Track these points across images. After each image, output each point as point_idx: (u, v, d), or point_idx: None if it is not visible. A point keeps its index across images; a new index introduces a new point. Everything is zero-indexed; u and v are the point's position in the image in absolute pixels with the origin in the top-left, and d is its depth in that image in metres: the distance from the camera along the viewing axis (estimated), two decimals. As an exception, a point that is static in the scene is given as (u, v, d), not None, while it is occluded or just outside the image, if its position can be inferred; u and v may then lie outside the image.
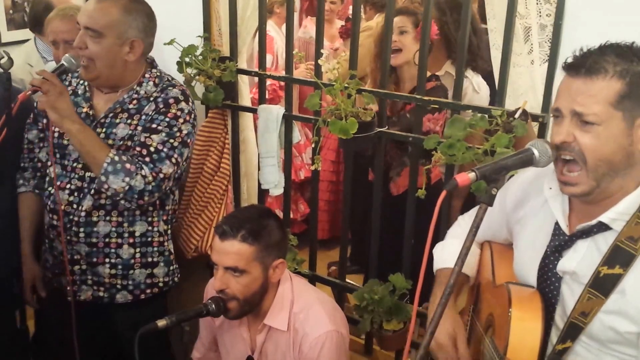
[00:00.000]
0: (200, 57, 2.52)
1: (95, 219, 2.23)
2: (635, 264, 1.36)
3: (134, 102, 2.21)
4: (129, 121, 2.19)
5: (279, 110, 2.55)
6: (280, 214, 2.68)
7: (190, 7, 2.63)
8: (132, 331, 1.89)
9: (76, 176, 2.22)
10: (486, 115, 2.02)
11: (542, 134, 2.00)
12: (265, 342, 2.05)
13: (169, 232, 2.39)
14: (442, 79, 2.84)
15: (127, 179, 2.07)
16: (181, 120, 2.19)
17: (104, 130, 2.19)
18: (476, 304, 1.78)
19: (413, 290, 2.24)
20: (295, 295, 2.03)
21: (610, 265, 1.37)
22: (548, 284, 1.50)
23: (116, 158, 2.08)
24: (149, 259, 2.31)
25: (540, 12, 1.95)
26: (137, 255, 2.29)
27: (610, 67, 1.34)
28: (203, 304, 1.95)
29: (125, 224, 2.25)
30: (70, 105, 2.07)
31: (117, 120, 2.19)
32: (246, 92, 2.72)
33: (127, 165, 2.08)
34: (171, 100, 2.19)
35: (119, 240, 2.26)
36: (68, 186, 2.23)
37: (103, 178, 2.07)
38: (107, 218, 2.23)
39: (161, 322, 1.87)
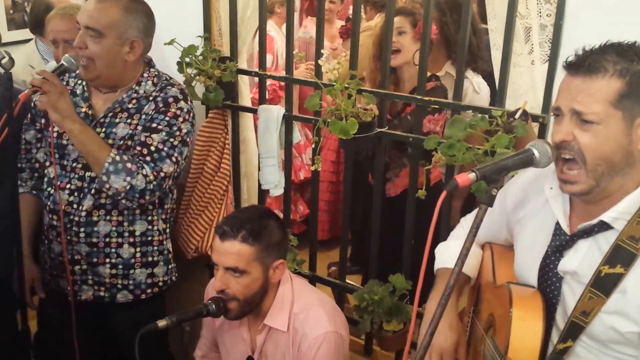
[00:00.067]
0: (200, 57, 2.52)
1: (95, 218, 2.23)
2: (637, 264, 1.36)
3: (134, 101, 2.21)
4: (128, 121, 2.19)
5: (279, 110, 2.55)
6: (280, 215, 2.68)
7: (191, 7, 2.63)
8: (132, 331, 1.89)
9: (76, 176, 2.22)
10: (486, 116, 2.02)
11: (542, 134, 2.00)
12: (265, 342, 2.05)
13: (168, 230, 2.40)
14: (443, 80, 2.84)
15: (128, 178, 2.08)
16: (181, 119, 2.20)
17: (103, 130, 2.19)
18: (476, 304, 1.78)
19: (413, 291, 2.25)
20: (296, 295, 2.03)
21: (612, 265, 1.37)
22: (549, 284, 1.50)
23: (117, 158, 2.08)
24: (149, 259, 2.32)
25: (540, 12, 1.95)
26: (138, 254, 2.29)
27: (610, 66, 1.33)
28: (203, 304, 1.95)
29: (126, 223, 2.26)
30: (70, 105, 2.07)
31: (117, 120, 2.20)
32: (246, 92, 2.72)
33: (128, 165, 2.09)
34: (170, 100, 2.20)
35: (120, 240, 2.26)
36: (68, 186, 2.23)
37: (104, 178, 2.08)
38: (108, 217, 2.23)
39: (162, 323, 1.87)
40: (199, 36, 2.57)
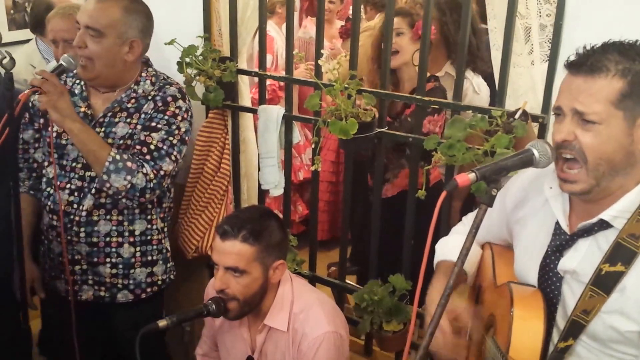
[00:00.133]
0: (200, 58, 2.52)
1: (95, 218, 2.23)
2: (637, 262, 1.36)
3: (133, 101, 2.22)
4: (128, 120, 2.20)
5: (279, 110, 2.55)
6: (280, 215, 2.68)
7: (191, 8, 2.63)
8: (132, 331, 1.89)
9: (76, 176, 2.23)
10: (486, 116, 2.02)
11: (542, 134, 2.00)
12: (265, 342, 2.05)
13: (166, 229, 2.41)
14: (442, 80, 2.84)
15: (128, 177, 2.09)
16: (179, 118, 2.21)
17: (102, 129, 2.19)
18: (477, 305, 1.78)
19: (413, 291, 2.25)
20: (296, 295, 2.03)
21: (612, 263, 1.37)
22: (549, 284, 1.50)
23: (117, 157, 2.09)
24: (149, 258, 2.32)
25: (540, 12, 1.95)
26: (138, 254, 2.30)
27: (612, 65, 1.33)
28: (203, 304, 1.95)
29: (126, 223, 2.26)
30: (70, 104, 2.08)
31: (117, 120, 2.20)
32: (246, 93, 2.72)
33: (129, 164, 2.09)
34: (169, 99, 2.21)
35: (120, 239, 2.27)
36: (68, 186, 2.23)
37: (105, 177, 2.08)
38: (108, 217, 2.24)
39: (162, 323, 1.87)
40: (199, 36, 2.57)
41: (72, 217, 2.23)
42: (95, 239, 2.25)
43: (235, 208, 2.74)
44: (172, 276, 2.44)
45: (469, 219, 1.87)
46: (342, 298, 2.66)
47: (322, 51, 2.32)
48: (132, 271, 2.30)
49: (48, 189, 2.27)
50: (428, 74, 2.46)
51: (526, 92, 2.02)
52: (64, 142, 2.23)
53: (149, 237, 2.31)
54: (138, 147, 2.16)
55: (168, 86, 2.25)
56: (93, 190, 2.20)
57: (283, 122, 2.55)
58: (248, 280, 1.92)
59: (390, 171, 2.92)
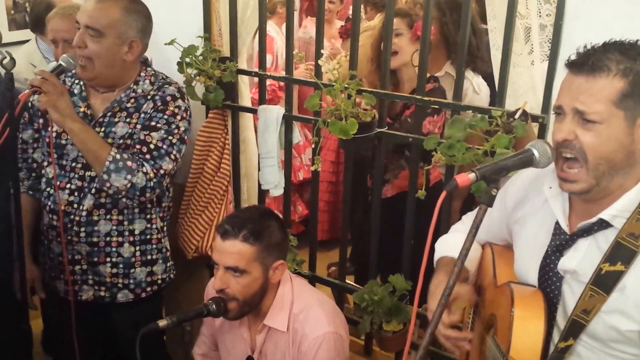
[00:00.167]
0: (200, 58, 2.52)
1: (96, 218, 2.24)
2: (637, 261, 1.36)
3: (132, 100, 2.22)
4: (128, 120, 2.20)
5: (279, 110, 2.55)
6: (280, 215, 2.68)
7: (190, 8, 2.63)
8: (133, 330, 1.89)
9: (76, 176, 2.23)
10: (486, 116, 2.02)
11: (542, 134, 2.00)
12: (265, 342, 2.05)
13: (165, 229, 2.41)
14: (442, 80, 2.84)
15: (129, 177, 2.09)
16: (179, 117, 2.22)
17: (102, 129, 2.20)
18: (477, 305, 1.78)
19: (413, 291, 2.25)
20: (296, 296, 2.03)
21: (612, 262, 1.37)
22: (549, 284, 1.50)
23: (118, 156, 2.09)
24: (149, 257, 2.33)
25: (540, 12, 1.95)
26: (137, 253, 2.30)
27: (613, 65, 1.33)
28: (204, 304, 1.95)
29: (126, 222, 2.27)
30: (70, 104, 2.09)
31: (116, 119, 2.20)
32: (246, 93, 2.72)
33: (129, 163, 2.10)
34: (168, 98, 2.22)
35: (120, 239, 2.27)
36: (68, 186, 2.23)
37: (105, 176, 2.08)
38: (108, 217, 2.24)
39: (162, 322, 1.87)
40: (199, 36, 2.57)
41: (72, 217, 2.23)
42: (95, 239, 2.25)
43: (235, 208, 2.74)
44: (171, 275, 2.45)
45: (468, 217, 1.87)
46: (342, 298, 2.66)
47: (322, 51, 2.32)
48: (132, 270, 2.30)
49: (48, 189, 2.27)
50: (428, 75, 2.46)
51: (526, 92, 2.02)
52: (63, 142, 2.23)
53: (148, 237, 2.32)
54: (138, 146, 2.16)
55: (167, 86, 2.26)
56: (93, 190, 2.21)
57: (283, 122, 2.56)
58: (248, 280, 1.92)
59: (390, 172, 2.92)
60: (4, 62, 1.97)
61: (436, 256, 1.82)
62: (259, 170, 2.66)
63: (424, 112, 2.41)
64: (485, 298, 1.72)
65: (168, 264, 2.42)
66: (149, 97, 2.23)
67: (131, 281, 2.31)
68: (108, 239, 2.26)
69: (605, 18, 1.81)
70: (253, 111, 2.67)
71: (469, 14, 2.07)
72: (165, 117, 2.20)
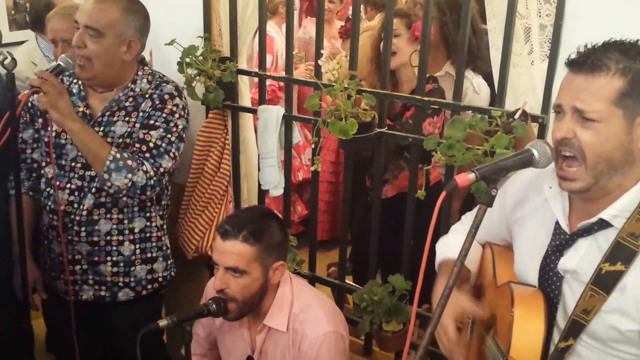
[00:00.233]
0: (200, 58, 2.52)
1: (96, 217, 2.24)
2: (637, 261, 1.36)
3: (130, 99, 2.23)
4: (126, 119, 2.21)
5: (278, 110, 2.55)
6: (279, 215, 2.68)
7: (191, 8, 2.63)
8: (133, 330, 1.90)
9: (76, 176, 2.23)
10: (486, 116, 2.02)
11: (541, 134, 2.00)
12: (265, 342, 2.05)
13: (165, 227, 2.42)
14: (443, 80, 2.83)
15: (129, 175, 2.10)
16: (177, 115, 2.23)
17: (101, 128, 2.21)
18: (477, 305, 1.78)
19: (412, 291, 2.25)
20: (295, 296, 2.03)
21: (612, 262, 1.37)
22: (549, 284, 1.50)
23: (118, 155, 2.10)
24: (149, 255, 2.33)
25: (540, 12, 1.95)
26: (137, 251, 2.31)
27: (612, 64, 1.34)
28: (204, 304, 1.95)
29: (126, 221, 2.27)
30: (70, 104, 2.09)
31: (115, 119, 2.21)
32: (246, 93, 2.72)
33: (129, 162, 2.10)
34: (166, 96, 2.23)
35: (120, 238, 2.28)
36: (68, 186, 2.23)
37: (106, 176, 2.09)
38: (108, 216, 2.25)
39: (162, 322, 1.87)
40: (199, 36, 2.57)
41: (72, 216, 2.24)
42: (96, 238, 2.26)
43: (235, 208, 2.74)
44: (172, 273, 2.45)
45: (468, 217, 1.87)
46: (342, 298, 2.66)
47: (322, 51, 2.32)
48: (132, 268, 2.31)
49: (48, 189, 2.28)
50: (427, 75, 2.46)
51: (526, 92, 2.02)
52: (62, 141, 2.24)
53: (148, 235, 2.32)
54: (137, 145, 2.17)
55: (164, 84, 2.27)
56: (93, 190, 2.21)
57: (283, 122, 2.56)
58: (248, 281, 1.92)
59: (390, 172, 2.92)
60: (5, 62, 1.97)
61: (437, 259, 1.82)
62: (258, 170, 2.66)
63: (424, 113, 2.41)
64: (485, 298, 1.72)
65: (169, 262, 2.42)
66: (147, 95, 2.24)
67: (131, 279, 2.31)
68: (108, 238, 2.26)
69: (605, 18, 1.81)
70: (253, 111, 2.67)
71: (469, 14, 2.07)
72: (164, 115, 2.21)
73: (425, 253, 1.39)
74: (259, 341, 2.05)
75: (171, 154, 2.20)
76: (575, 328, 1.42)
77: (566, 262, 1.46)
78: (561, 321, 1.48)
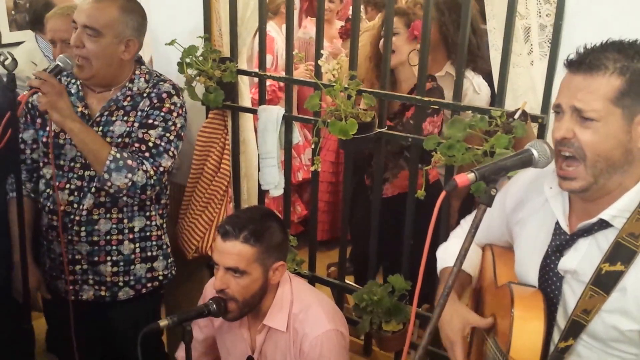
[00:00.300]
0: (200, 58, 2.52)
1: (96, 217, 2.24)
2: (637, 261, 1.36)
3: (128, 99, 2.24)
4: (125, 118, 2.21)
5: (279, 110, 2.55)
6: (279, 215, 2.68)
7: (191, 8, 2.63)
8: (133, 329, 1.90)
9: (75, 176, 2.23)
10: (486, 116, 2.02)
11: (541, 134, 2.00)
12: (265, 342, 2.05)
13: (164, 226, 2.42)
14: (443, 80, 2.83)
15: (129, 175, 2.10)
16: (175, 114, 2.23)
17: (100, 128, 2.21)
18: (478, 305, 1.78)
19: (412, 291, 2.25)
20: (295, 296, 2.03)
21: (612, 262, 1.37)
22: (549, 284, 1.50)
23: (118, 155, 2.10)
24: (149, 253, 2.34)
25: (540, 12, 1.95)
26: (137, 250, 2.31)
27: (610, 63, 1.34)
28: (204, 304, 1.95)
29: (125, 220, 2.27)
30: (70, 104, 2.09)
31: (114, 118, 2.21)
32: (246, 93, 2.72)
33: (129, 162, 2.11)
34: (164, 95, 2.23)
35: (120, 237, 2.28)
36: (67, 186, 2.23)
37: (106, 176, 2.09)
38: (108, 215, 2.25)
39: (163, 322, 1.87)
40: (199, 36, 2.57)
41: (72, 216, 2.24)
42: (96, 238, 2.26)
43: (236, 208, 2.74)
44: (172, 272, 2.46)
45: (467, 222, 1.87)
46: (342, 298, 2.66)
47: (322, 51, 2.32)
48: (132, 267, 2.31)
49: (47, 190, 2.28)
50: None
51: (526, 92, 2.02)
52: (61, 141, 2.24)
53: (148, 234, 2.33)
54: (136, 144, 2.18)
55: (162, 83, 2.28)
56: (93, 190, 2.21)
57: (283, 123, 2.56)
58: (248, 281, 1.92)
59: (389, 171, 2.92)
60: (6, 62, 1.97)
61: (439, 266, 1.82)
62: (259, 170, 2.66)
63: (424, 113, 2.41)
64: (485, 299, 1.72)
65: (169, 261, 2.43)
66: (144, 94, 2.24)
67: (131, 278, 2.32)
68: (108, 237, 2.27)
69: (605, 17, 1.81)
70: (253, 111, 2.67)
71: (468, 14, 2.07)
72: (162, 114, 2.21)
73: (425, 253, 1.40)
74: (258, 341, 2.05)
75: (170, 153, 2.21)
76: (576, 328, 1.42)
77: (566, 262, 1.46)
78: (561, 321, 1.48)
